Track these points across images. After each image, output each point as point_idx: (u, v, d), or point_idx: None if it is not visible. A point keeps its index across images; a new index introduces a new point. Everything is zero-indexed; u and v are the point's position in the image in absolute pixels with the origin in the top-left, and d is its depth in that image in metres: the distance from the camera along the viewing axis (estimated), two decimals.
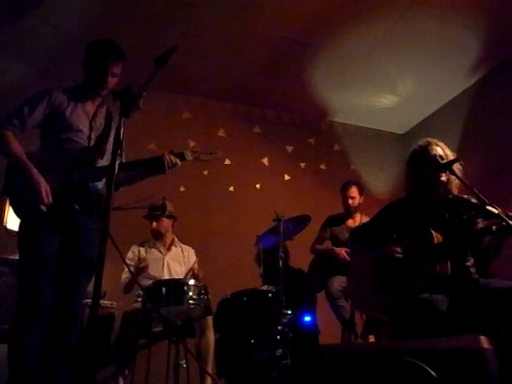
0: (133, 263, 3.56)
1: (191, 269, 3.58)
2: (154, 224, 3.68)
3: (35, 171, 2.16)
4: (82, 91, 2.43)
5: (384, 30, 4.07)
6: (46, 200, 2.13)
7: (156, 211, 3.63)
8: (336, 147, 5.45)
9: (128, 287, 3.47)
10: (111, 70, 2.35)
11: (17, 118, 2.25)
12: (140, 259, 3.57)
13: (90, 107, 2.44)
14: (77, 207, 2.27)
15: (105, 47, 2.38)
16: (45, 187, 2.14)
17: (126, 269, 3.45)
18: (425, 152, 2.43)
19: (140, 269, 3.46)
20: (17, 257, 2.23)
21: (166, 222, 3.72)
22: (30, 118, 2.26)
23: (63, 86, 2.46)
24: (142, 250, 3.66)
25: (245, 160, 4.97)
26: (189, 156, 2.45)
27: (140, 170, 2.48)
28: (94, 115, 2.43)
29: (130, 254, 3.61)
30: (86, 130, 2.37)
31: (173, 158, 2.39)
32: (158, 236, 3.72)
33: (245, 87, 4.85)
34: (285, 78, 4.74)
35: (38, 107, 2.28)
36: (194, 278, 3.27)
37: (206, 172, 4.78)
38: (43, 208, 2.13)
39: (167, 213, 3.67)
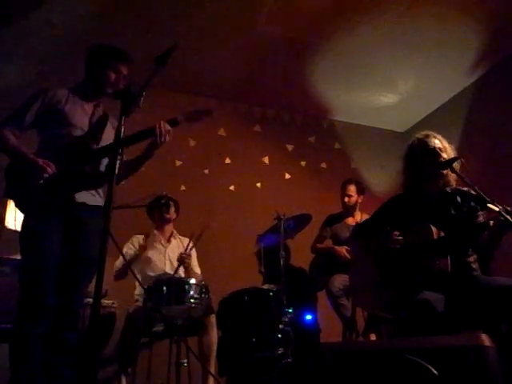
0: (131, 249, 3.52)
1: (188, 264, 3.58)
2: (164, 208, 3.67)
3: (32, 156, 2.21)
4: (83, 91, 2.46)
5: (384, 29, 4.06)
6: (46, 166, 2.16)
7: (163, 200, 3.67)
8: (336, 146, 5.45)
9: (120, 273, 3.40)
10: (118, 69, 2.39)
11: (14, 119, 2.28)
12: (140, 246, 3.56)
13: (89, 106, 2.46)
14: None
15: (111, 49, 2.45)
16: (43, 160, 2.17)
17: (122, 256, 3.40)
18: (424, 144, 2.42)
19: (136, 255, 3.44)
20: (17, 257, 2.23)
21: (173, 212, 3.74)
22: (26, 116, 2.28)
23: (63, 86, 2.47)
24: (142, 239, 3.63)
25: (245, 159, 4.97)
26: (181, 119, 2.39)
27: (136, 161, 2.48)
28: (93, 114, 2.45)
29: (134, 239, 3.59)
30: (85, 127, 2.38)
31: (166, 125, 2.35)
32: (164, 221, 3.71)
33: (245, 86, 4.85)
34: (285, 77, 4.73)
35: (33, 105, 2.30)
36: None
37: (206, 171, 4.78)
38: (46, 175, 2.16)
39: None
